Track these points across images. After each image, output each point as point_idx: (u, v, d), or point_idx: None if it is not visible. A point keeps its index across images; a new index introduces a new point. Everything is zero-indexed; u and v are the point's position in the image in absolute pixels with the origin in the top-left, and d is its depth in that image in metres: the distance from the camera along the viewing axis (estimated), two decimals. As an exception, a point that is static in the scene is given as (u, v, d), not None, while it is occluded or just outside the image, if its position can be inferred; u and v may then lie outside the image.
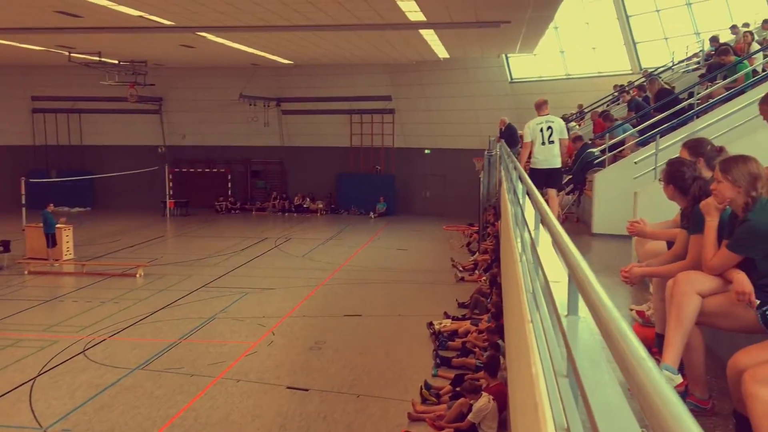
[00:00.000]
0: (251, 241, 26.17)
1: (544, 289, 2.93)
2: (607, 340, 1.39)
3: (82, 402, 10.91)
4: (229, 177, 35.65)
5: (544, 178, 9.27)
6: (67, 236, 22.20)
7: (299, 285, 18.94)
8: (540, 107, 9.70)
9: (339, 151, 33.92)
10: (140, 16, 18.03)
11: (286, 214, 34.32)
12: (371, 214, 33.20)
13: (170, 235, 28.92)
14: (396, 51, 26.41)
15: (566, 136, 9.79)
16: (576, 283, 1.95)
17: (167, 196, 33.34)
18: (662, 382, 1.06)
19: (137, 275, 19.80)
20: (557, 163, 9.59)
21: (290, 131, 34.59)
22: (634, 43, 25.72)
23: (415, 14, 17.73)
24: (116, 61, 27.54)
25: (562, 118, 19.19)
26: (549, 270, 2.91)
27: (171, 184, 34.16)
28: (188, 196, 34.24)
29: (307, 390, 11.47)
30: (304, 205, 34.53)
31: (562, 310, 2.25)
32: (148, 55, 27.13)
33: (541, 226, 3.97)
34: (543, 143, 9.43)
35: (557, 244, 2.52)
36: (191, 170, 35.46)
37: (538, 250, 3.47)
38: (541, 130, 9.44)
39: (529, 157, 9.63)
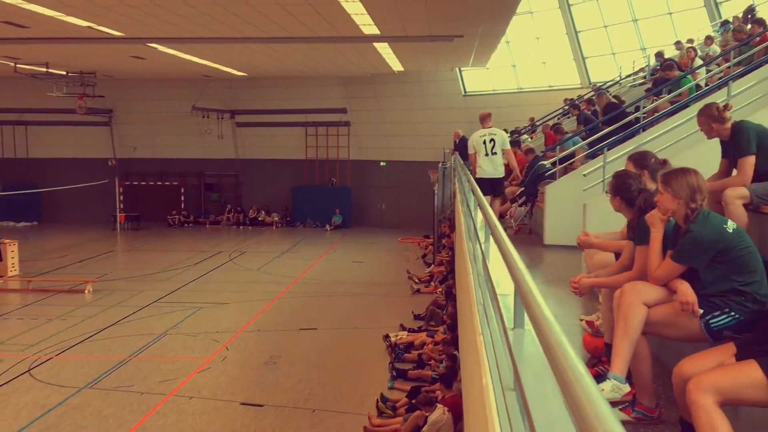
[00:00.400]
0: (205, 255, 25.78)
1: (493, 301, 2.94)
2: (547, 354, 1.39)
3: (28, 422, 10.55)
4: (182, 190, 35.08)
5: (488, 187, 9.86)
6: (12, 251, 21.52)
7: (254, 299, 18.71)
8: (484, 120, 10.38)
9: (294, 163, 33.74)
10: (89, 27, 17.67)
11: (241, 227, 33.95)
12: (327, 226, 33.08)
13: (121, 250, 28.29)
14: (351, 64, 26.47)
15: (508, 147, 10.43)
16: (521, 296, 1.96)
17: (118, 210, 32.64)
18: (599, 397, 1.06)
19: (86, 291, 19.28)
20: (500, 173, 10.26)
21: (245, 144, 34.28)
22: (583, 58, 26.31)
23: (369, 27, 17.81)
24: (64, 72, 26.89)
25: (514, 130, 19.62)
26: (499, 283, 2.92)
27: (121, 198, 33.48)
28: (140, 209, 33.53)
29: (261, 406, 11.31)
30: (259, 218, 34.19)
31: (510, 322, 2.25)
32: (98, 66, 26.59)
33: (492, 238, 3.99)
34: (486, 154, 10.04)
35: (504, 257, 2.53)
36: (143, 183, 34.75)
37: (489, 263, 3.49)
38: (484, 142, 10.06)
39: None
